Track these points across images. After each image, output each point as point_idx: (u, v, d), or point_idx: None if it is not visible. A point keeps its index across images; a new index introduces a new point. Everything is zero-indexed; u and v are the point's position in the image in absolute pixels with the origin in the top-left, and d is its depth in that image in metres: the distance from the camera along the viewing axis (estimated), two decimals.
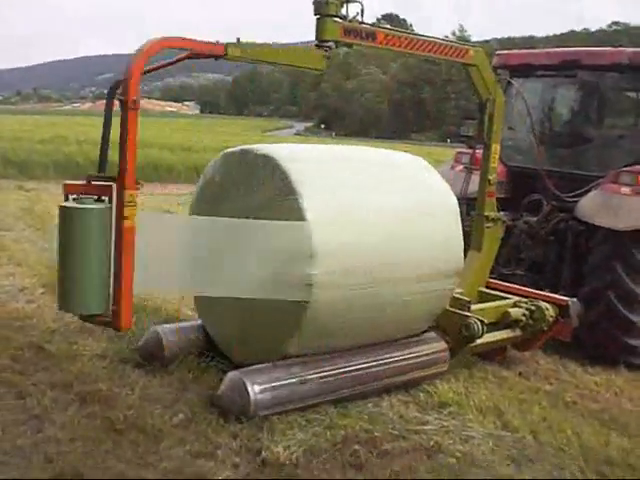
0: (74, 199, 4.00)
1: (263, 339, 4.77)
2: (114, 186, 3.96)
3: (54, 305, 5.13)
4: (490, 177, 6.31)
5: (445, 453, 4.16)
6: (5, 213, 11.74)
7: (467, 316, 5.47)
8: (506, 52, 7.78)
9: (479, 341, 5.58)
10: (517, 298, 6.13)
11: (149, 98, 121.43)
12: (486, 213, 6.30)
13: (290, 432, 4.09)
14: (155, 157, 19.72)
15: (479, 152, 6.68)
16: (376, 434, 4.28)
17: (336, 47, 5.24)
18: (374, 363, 4.99)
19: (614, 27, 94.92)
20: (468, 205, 6.70)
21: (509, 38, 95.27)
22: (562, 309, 6.02)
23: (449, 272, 5.32)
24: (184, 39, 4.38)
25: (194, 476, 3.57)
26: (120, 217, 3.91)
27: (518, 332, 6.00)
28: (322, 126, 79.05)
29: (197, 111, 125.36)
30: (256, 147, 5.01)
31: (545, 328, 5.97)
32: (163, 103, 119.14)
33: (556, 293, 6.43)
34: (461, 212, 6.58)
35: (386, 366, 5.05)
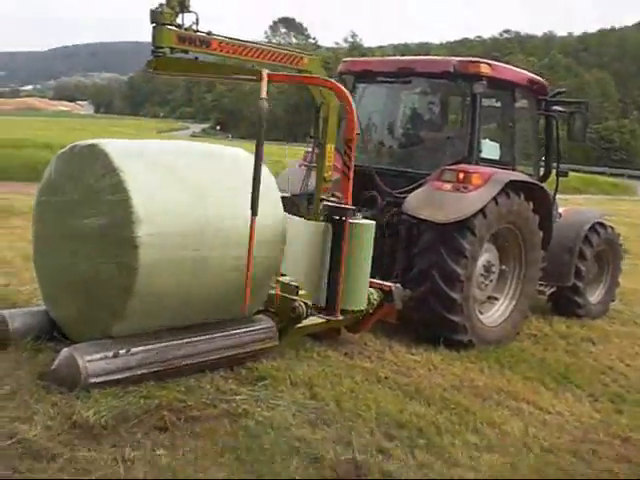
0: None
1: (97, 317, 5.13)
2: None
3: None
4: (325, 174, 6.90)
5: (248, 417, 4.66)
6: None
7: (294, 299, 6.02)
8: (350, 59, 8.46)
9: (306, 322, 6.16)
10: None
11: (41, 97, 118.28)
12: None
13: (104, 400, 4.45)
14: (32, 157, 19.53)
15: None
16: (188, 403, 4.69)
17: (171, 53, 5.71)
18: (201, 338, 5.43)
19: (505, 35, 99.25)
20: (308, 200, 7.30)
21: (405, 44, 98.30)
22: (386, 294, 6.66)
23: (275, 239, 5.82)
24: None
25: (7, 438, 3.95)
26: None
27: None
28: (218, 128, 78.85)
29: (91, 111, 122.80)
30: (84, 141, 5.41)
31: (371, 311, 6.60)
32: (56, 102, 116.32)
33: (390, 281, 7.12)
34: (301, 206, 7.22)
35: (212, 342, 5.52)
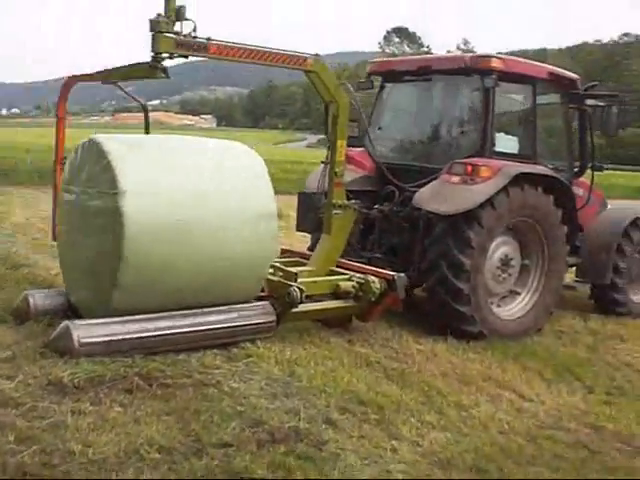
0: None
1: (100, 289, 5.71)
2: None
3: None
4: (337, 170, 7.17)
5: (215, 387, 5.04)
6: None
7: (290, 285, 6.37)
8: (378, 60, 8.72)
9: (303, 307, 6.50)
10: (352, 274, 7.02)
11: (167, 111, 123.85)
12: (334, 201, 7.18)
13: (87, 366, 4.97)
14: None
15: (351, 151, 7.75)
16: (167, 373, 5.16)
17: (171, 58, 6.21)
18: (200, 320, 5.90)
19: (625, 39, 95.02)
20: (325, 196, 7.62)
21: (522, 50, 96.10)
22: (389, 282, 6.89)
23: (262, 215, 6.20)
24: None
25: None
26: None
27: (349, 302, 6.88)
28: None
29: (214, 124, 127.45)
30: (96, 135, 6.04)
31: (373, 299, 6.82)
32: (181, 116, 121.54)
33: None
34: (319, 203, 7.52)
35: (210, 326, 5.96)
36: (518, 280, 7.83)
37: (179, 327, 5.78)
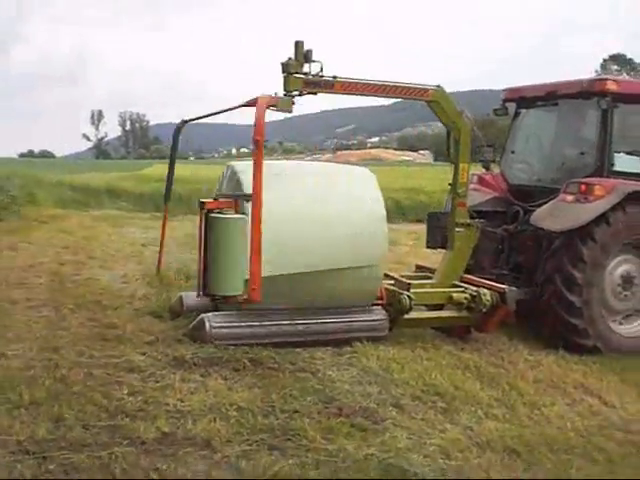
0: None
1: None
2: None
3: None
4: (459, 190, 7.78)
5: (310, 372, 5.92)
6: None
7: (401, 293, 7.11)
8: (514, 87, 9.14)
9: (415, 315, 7.21)
10: (468, 287, 7.54)
11: (386, 148, 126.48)
12: (457, 220, 7.79)
13: (209, 349, 6.14)
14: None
15: (485, 174, 8.39)
16: (275, 359, 6.11)
17: (300, 95, 7.24)
18: (320, 320, 6.84)
19: None
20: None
21: None
22: (501, 295, 7.33)
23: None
24: None
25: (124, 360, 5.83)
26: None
27: (462, 313, 7.42)
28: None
29: (431, 159, 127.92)
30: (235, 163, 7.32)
31: (484, 310, 7.30)
32: (399, 152, 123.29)
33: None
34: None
35: (329, 324, 6.88)
36: None
37: (299, 323, 6.74)
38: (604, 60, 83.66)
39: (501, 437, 4.93)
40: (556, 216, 7.50)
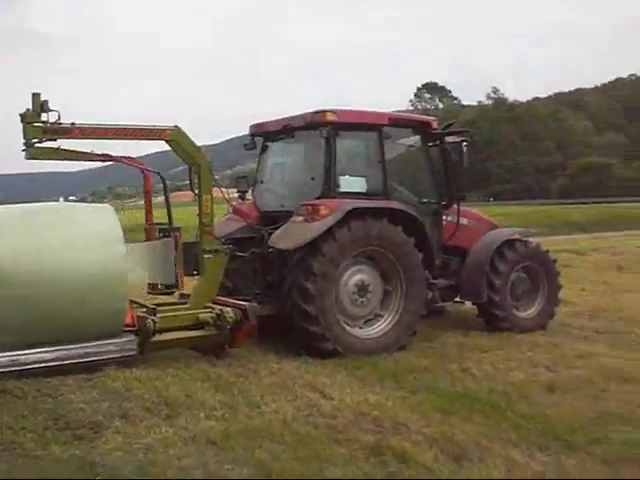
0: None
1: None
2: None
3: None
4: (204, 220, 8.48)
5: (55, 399, 6.36)
6: None
7: (145, 317, 7.68)
8: (259, 122, 10.11)
9: (163, 337, 7.80)
10: (214, 307, 8.24)
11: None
12: (205, 247, 8.49)
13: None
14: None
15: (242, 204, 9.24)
16: (24, 390, 6.47)
17: (40, 142, 7.68)
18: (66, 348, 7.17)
19: None
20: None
21: (558, 93, 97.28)
22: (243, 312, 8.10)
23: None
24: None
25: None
26: None
27: (210, 331, 8.10)
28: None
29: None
30: None
31: (229, 327, 8.00)
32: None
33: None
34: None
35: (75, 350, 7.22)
36: (382, 304, 8.93)
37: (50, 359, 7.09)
38: (417, 88, 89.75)
39: (205, 432, 5.62)
40: (289, 236, 8.43)
